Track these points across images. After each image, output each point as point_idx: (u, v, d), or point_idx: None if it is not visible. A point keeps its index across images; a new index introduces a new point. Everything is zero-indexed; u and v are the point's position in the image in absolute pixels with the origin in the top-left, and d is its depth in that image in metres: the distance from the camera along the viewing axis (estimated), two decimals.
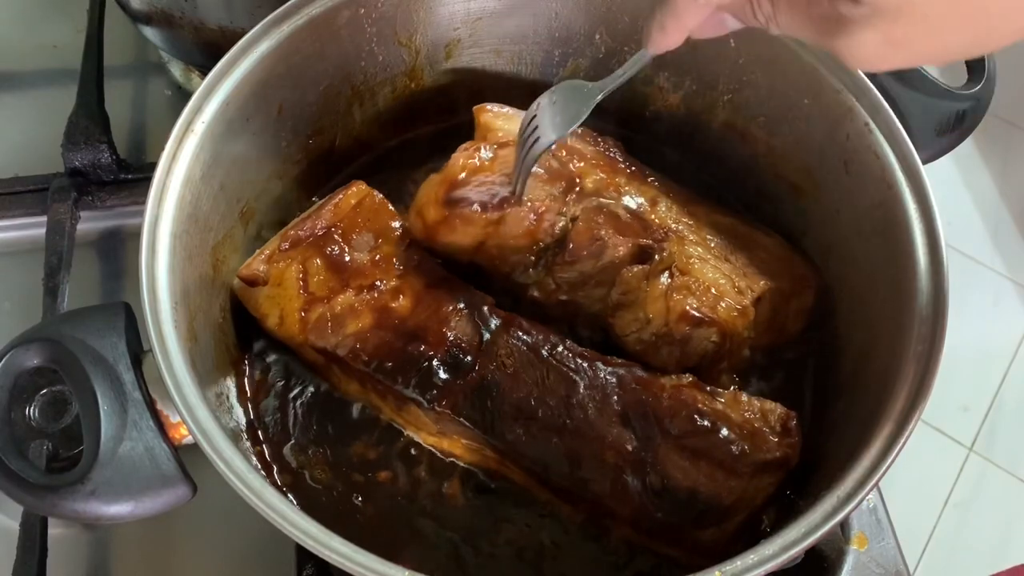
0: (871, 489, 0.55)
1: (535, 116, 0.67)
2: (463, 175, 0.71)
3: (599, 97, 0.65)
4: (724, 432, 0.66)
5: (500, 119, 0.76)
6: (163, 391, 0.57)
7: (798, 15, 0.48)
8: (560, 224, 0.72)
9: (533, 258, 0.73)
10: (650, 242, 0.71)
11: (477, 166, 0.72)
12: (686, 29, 0.54)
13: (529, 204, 0.71)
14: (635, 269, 0.71)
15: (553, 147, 0.68)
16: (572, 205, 0.72)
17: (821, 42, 0.46)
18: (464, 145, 0.74)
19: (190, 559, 0.73)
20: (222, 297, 0.72)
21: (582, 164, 0.75)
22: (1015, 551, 1.73)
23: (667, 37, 0.54)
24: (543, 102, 0.67)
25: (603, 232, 0.71)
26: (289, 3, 0.70)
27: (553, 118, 0.66)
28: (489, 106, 0.77)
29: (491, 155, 0.73)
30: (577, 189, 0.73)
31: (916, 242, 0.64)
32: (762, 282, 0.71)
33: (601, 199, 0.73)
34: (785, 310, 0.74)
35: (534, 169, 0.70)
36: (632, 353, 0.71)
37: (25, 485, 0.56)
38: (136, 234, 0.61)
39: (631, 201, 0.74)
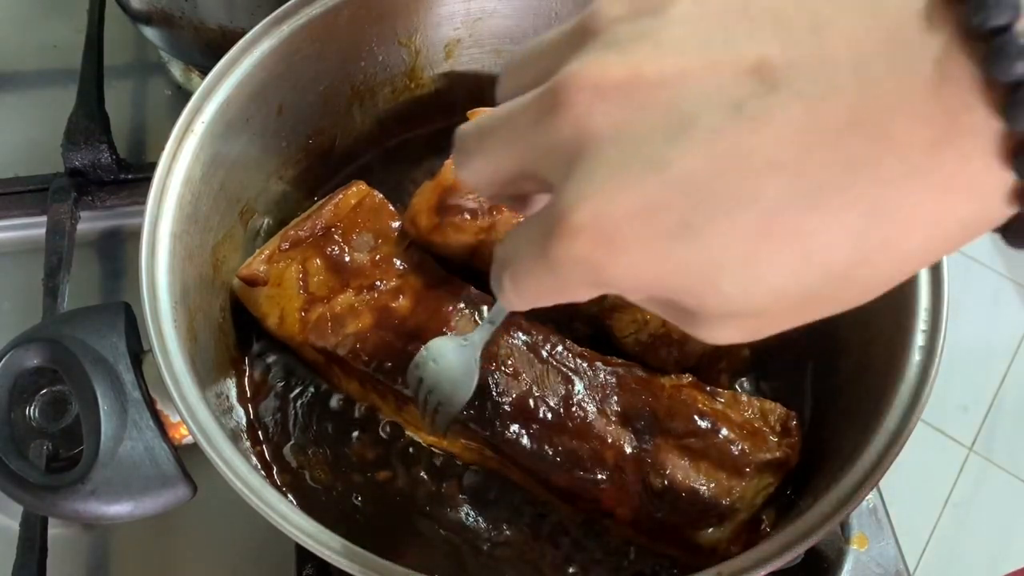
0: (871, 489, 0.55)
1: (421, 379, 0.62)
2: (455, 182, 0.72)
3: (479, 350, 0.61)
4: (724, 432, 0.66)
5: None
6: (163, 391, 0.57)
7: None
8: None
9: None
10: None
11: None
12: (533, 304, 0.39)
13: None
14: None
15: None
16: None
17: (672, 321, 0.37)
18: None
19: (190, 559, 0.73)
20: (222, 297, 0.72)
21: None
22: (1015, 551, 1.73)
23: (519, 304, 0.40)
24: (423, 364, 0.62)
25: None
26: (289, 3, 0.70)
27: (444, 381, 0.62)
28: (484, 110, 0.77)
29: None
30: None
31: None
32: None
33: None
34: None
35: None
36: (631, 354, 0.71)
37: (25, 485, 0.56)
38: (136, 234, 0.61)
39: None
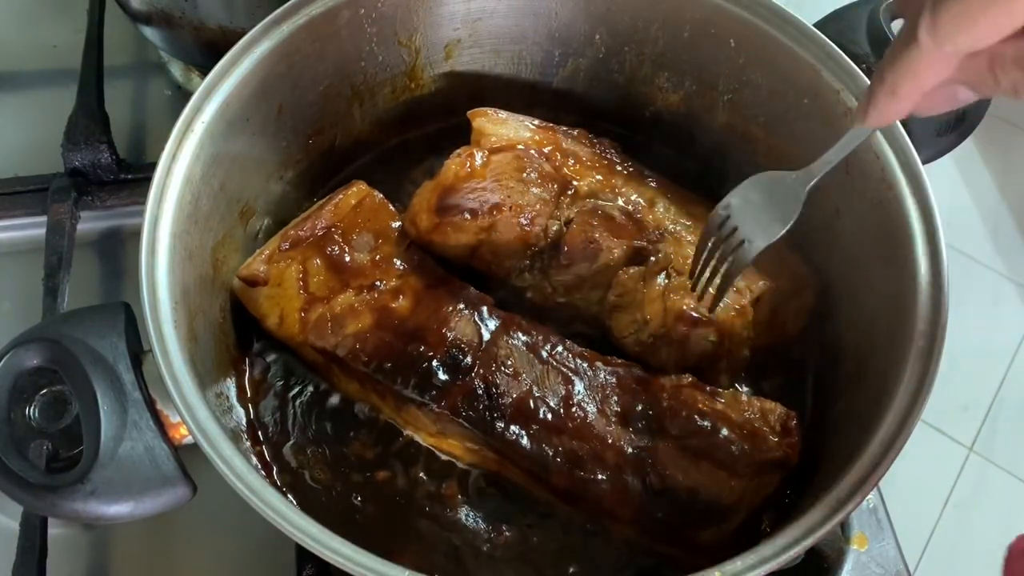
0: (871, 489, 0.55)
1: (728, 218, 0.62)
2: (455, 182, 0.72)
3: (808, 188, 0.60)
4: (724, 432, 0.66)
5: (495, 124, 0.76)
6: (163, 391, 0.57)
7: None
8: (554, 227, 0.72)
9: (527, 262, 0.73)
10: (645, 243, 0.71)
11: (469, 172, 0.72)
12: (921, 92, 0.46)
13: (520, 209, 0.71)
14: (631, 271, 0.71)
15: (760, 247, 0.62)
16: (566, 208, 0.73)
17: None
18: (458, 151, 0.74)
19: (190, 559, 0.73)
20: (222, 297, 0.72)
21: (577, 166, 0.75)
22: None
23: (897, 103, 0.46)
24: (735, 202, 0.62)
25: (597, 234, 0.71)
26: (289, 3, 0.70)
27: (758, 218, 0.61)
28: (484, 110, 0.77)
29: (484, 161, 0.73)
30: (571, 192, 0.73)
31: (916, 242, 0.64)
32: (761, 283, 0.71)
33: (596, 201, 0.73)
34: (784, 310, 0.74)
35: (529, 175, 0.70)
36: (631, 354, 0.71)
37: (25, 485, 0.56)
38: (136, 234, 0.61)
39: (627, 202, 0.74)
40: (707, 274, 0.64)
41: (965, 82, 0.46)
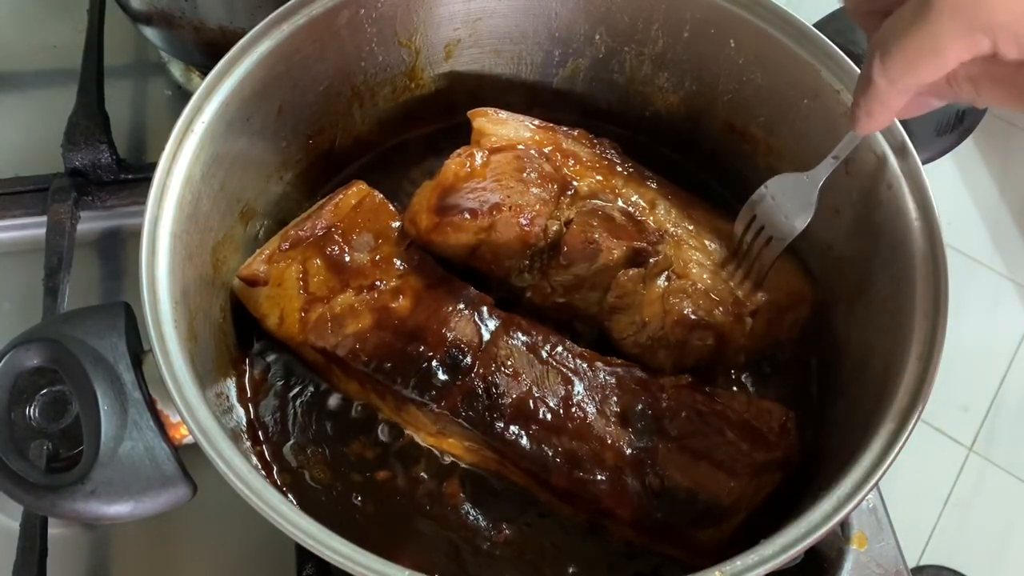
0: (871, 489, 0.55)
1: (755, 216, 0.70)
2: (455, 182, 0.72)
3: (819, 187, 0.67)
4: (724, 433, 0.66)
5: (495, 124, 0.76)
6: (163, 391, 0.57)
7: (1004, 89, 0.49)
8: (553, 228, 0.72)
9: (527, 262, 0.73)
10: (645, 245, 0.72)
11: (469, 172, 0.72)
12: (892, 112, 0.55)
13: (519, 209, 0.71)
14: (631, 273, 0.71)
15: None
16: (566, 208, 0.73)
17: None
18: (458, 151, 0.74)
19: (190, 559, 0.73)
20: (222, 297, 0.72)
21: (577, 167, 0.75)
22: (1015, 551, 1.73)
23: (874, 121, 0.55)
24: (759, 202, 0.70)
25: (597, 235, 0.71)
26: (289, 3, 0.70)
27: (780, 215, 0.69)
28: (484, 110, 0.77)
29: (484, 161, 0.73)
30: (571, 192, 0.73)
31: (916, 242, 0.64)
32: (759, 296, 0.71)
33: (596, 201, 0.73)
34: (780, 322, 0.74)
35: (529, 175, 0.70)
36: (630, 355, 0.71)
37: (25, 485, 0.56)
38: (136, 234, 0.61)
39: (627, 203, 0.74)
40: (742, 269, 0.72)
41: (930, 95, 0.54)
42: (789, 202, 0.68)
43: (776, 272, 0.74)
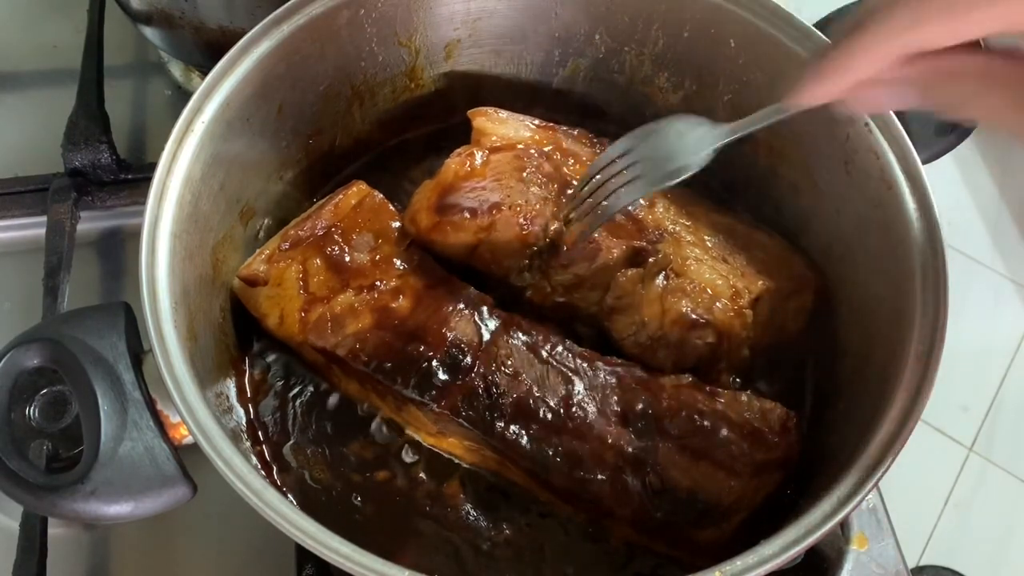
0: (871, 489, 0.55)
1: (628, 151, 0.61)
2: (455, 181, 0.72)
3: (719, 145, 0.59)
4: (724, 432, 0.66)
5: (495, 123, 0.76)
6: (163, 391, 0.57)
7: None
8: (553, 227, 0.72)
9: (527, 261, 0.73)
10: (644, 244, 0.72)
11: (469, 172, 0.72)
12: (850, 81, 0.46)
13: (519, 208, 0.71)
14: (630, 273, 0.71)
15: (637, 202, 0.60)
16: (566, 208, 0.73)
17: None
18: (458, 150, 0.74)
19: (190, 559, 0.73)
20: (222, 297, 0.72)
21: (577, 166, 0.75)
22: (1015, 551, 1.73)
23: (821, 86, 0.47)
24: (647, 137, 0.61)
25: (596, 234, 0.71)
26: (289, 3, 0.70)
27: (659, 159, 0.60)
28: (484, 110, 0.77)
29: (484, 160, 0.73)
30: (571, 191, 0.73)
31: (916, 242, 0.64)
32: (760, 283, 0.71)
33: None
34: (784, 310, 0.74)
35: (529, 175, 0.69)
36: (630, 355, 0.71)
37: (25, 485, 0.56)
38: (136, 234, 0.61)
39: None
40: (584, 205, 0.62)
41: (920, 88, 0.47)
42: (676, 148, 0.60)
43: (777, 258, 0.74)
